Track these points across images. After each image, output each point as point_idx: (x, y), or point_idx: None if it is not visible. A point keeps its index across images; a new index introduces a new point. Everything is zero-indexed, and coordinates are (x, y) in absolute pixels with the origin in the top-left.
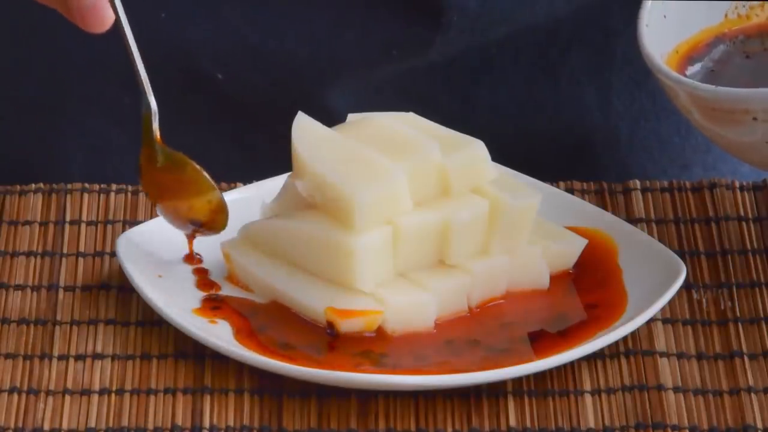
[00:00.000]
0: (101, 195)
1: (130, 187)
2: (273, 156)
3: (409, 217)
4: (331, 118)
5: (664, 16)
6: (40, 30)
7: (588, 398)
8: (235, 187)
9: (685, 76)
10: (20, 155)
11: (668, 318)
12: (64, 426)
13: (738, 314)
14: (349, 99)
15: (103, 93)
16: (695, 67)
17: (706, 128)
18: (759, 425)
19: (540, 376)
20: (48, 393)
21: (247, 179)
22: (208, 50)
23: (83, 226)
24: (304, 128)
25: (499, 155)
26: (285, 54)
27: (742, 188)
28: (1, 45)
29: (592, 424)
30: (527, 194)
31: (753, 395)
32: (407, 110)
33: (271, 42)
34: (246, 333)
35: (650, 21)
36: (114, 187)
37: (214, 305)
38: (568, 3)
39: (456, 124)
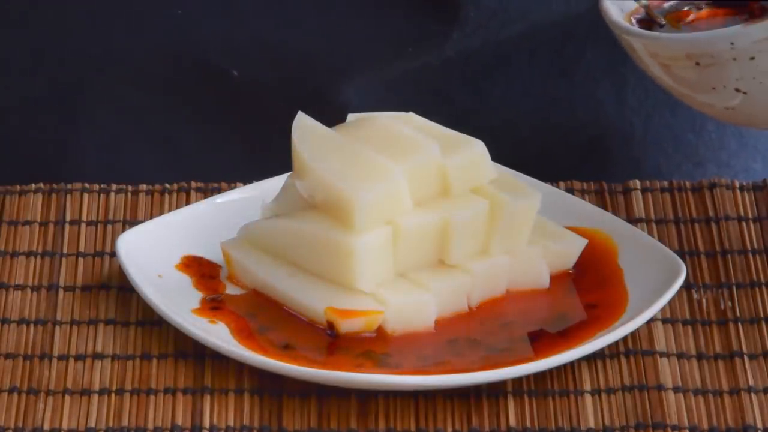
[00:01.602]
0: (101, 195)
1: (130, 187)
2: (286, 153)
3: (409, 217)
4: (346, 113)
5: None
6: (51, 27)
7: (588, 398)
8: (235, 187)
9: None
10: (32, 151)
11: (668, 318)
12: (64, 426)
13: (738, 314)
14: (364, 94)
15: (114, 90)
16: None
17: (667, 84)
18: (759, 425)
19: (540, 376)
20: (48, 393)
21: (255, 176)
22: (223, 46)
23: (83, 226)
24: (305, 128)
25: (513, 151)
26: (300, 49)
27: (742, 188)
28: (12, 42)
29: (592, 424)
30: (527, 194)
31: (753, 395)
32: (422, 106)
33: (285, 37)
34: (246, 333)
35: None
36: (114, 187)
37: (213, 305)
38: (585, 0)
39: (471, 120)
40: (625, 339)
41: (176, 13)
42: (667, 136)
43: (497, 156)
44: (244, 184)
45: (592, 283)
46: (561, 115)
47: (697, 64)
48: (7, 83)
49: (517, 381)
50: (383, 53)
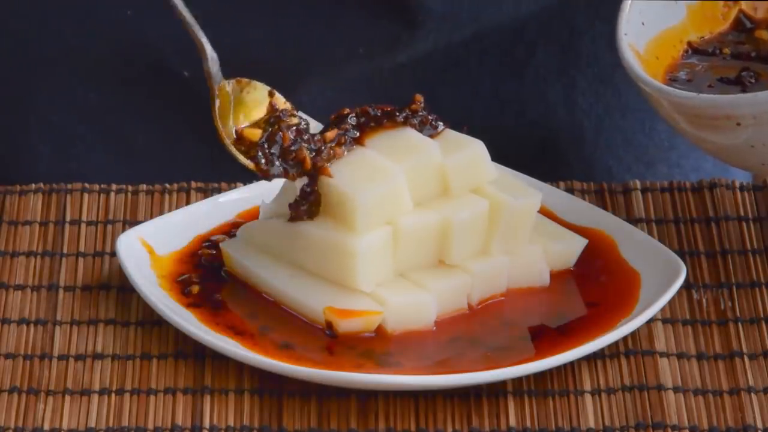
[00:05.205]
0: (101, 195)
1: (130, 187)
2: None
3: (409, 217)
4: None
5: (642, 24)
6: (3, 25)
7: (588, 398)
8: (235, 187)
9: (668, 81)
10: None
11: (668, 318)
12: (64, 426)
13: (738, 314)
14: (317, 98)
15: (69, 89)
16: (678, 74)
17: (690, 134)
18: (759, 425)
19: (540, 376)
20: (48, 393)
21: (214, 179)
22: (174, 48)
23: (83, 226)
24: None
25: None
26: (251, 52)
27: (741, 188)
28: None
29: (592, 424)
30: (527, 194)
31: (753, 395)
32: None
33: (236, 39)
34: (246, 333)
35: (629, 30)
36: (114, 187)
37: (214, 305)
38: (535, 2)
39: None
40: (625, 339)
41: (126, 13)
42: (617, 137)
43: None
44: (244, 184)
45: (592, 282)
46: (511, 117)
47: (738, 124)
48: None
49: (518, 381)
50: (334, 56)
